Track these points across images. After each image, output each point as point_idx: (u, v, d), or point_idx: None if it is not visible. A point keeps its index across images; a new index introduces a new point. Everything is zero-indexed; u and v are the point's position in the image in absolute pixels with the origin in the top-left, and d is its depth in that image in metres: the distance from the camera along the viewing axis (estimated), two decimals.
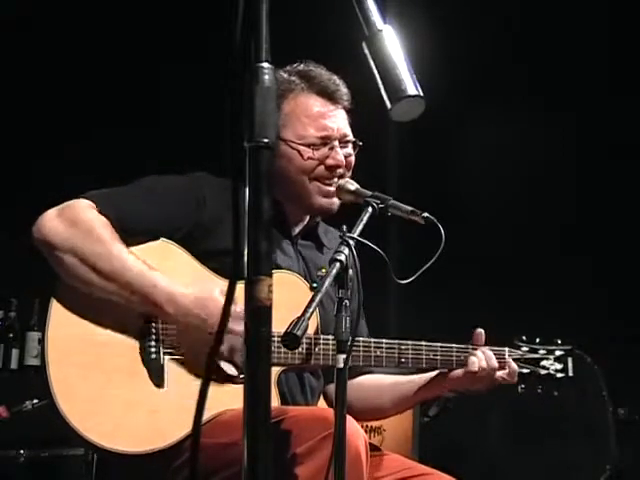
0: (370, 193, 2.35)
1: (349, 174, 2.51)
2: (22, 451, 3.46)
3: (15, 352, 3.98)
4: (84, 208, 2.28)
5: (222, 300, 2.20)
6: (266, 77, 1.38)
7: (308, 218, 2.60)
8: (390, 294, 4.64)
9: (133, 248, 2.29)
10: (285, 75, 2.51)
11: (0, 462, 3.46)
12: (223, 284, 2.31)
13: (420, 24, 4.00)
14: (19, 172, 4.22)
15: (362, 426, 2.26)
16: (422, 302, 4.24)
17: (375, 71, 1.52)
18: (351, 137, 2.53)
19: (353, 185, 2.42)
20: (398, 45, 1.54)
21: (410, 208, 2.31)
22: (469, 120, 4.65)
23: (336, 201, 2.49)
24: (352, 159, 2.52)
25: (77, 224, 2.25)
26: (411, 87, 1.51)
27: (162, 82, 4.45)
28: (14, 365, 3.97)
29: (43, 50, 4.35)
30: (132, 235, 2.30)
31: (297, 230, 2.58)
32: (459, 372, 2.47)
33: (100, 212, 2.28)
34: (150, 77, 4.44)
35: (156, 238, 2.34)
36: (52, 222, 2.26)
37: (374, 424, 3.61)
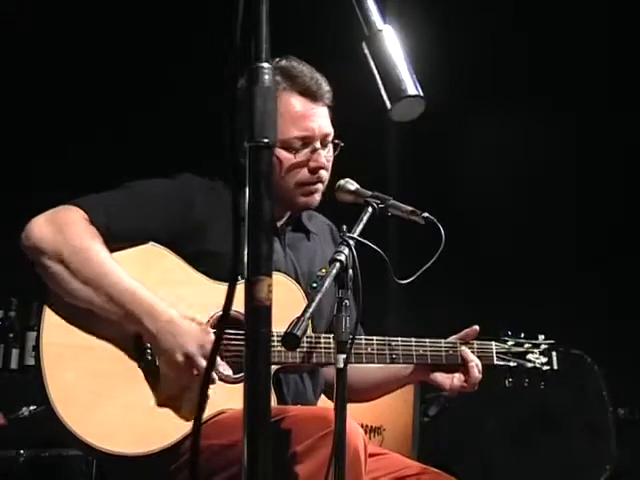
0: (370, 193, 2.35)
1: (328, 174, 2.49)
2: (22, 451, 3.45)
3: (15, 352, 3.98)
4: (73, 217, 2.27)
5: (195, 326, 2.22)
6: (266, 77, 1.38)
7: (290, 212, 2.58)
8: (390, 294, 4.63)
9: (122, 252, 2.29)
10: None
11: (0, 462, 3.45)
12: (208, 287, 2.31)
13: (420, 24, 3.99)
14: (19, 172, 4.21)
15: (362, 426, 2.26)
16: (422, 302, 4.24)
17: (375, 71, 1.52)
18: (331, 137, 2.48)
19: (353, 185, 2.41)
20: (398, 45, 1.54)
21: (410, 208, 2.31)
22: (469, 120, 4.64)
23: (318, 196, 2.49)
24: (331, 160, 2.49)
25: (65, 233, 2.24)
26: (411, 87, 1.51)
27: (161, 82, 4.45)
28: (14, 365, 3.97)
29: (42, 51, 4.35)
30: (121, 241, 2.30)
31: (280, 223, 2.55)
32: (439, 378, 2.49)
33: (89, 220, 2.27)
34: (149, 77, 4.44)
35: (145, 242, 2.34)
36: (40, 229, 2.25)
37: (374, 424, 3.61)
